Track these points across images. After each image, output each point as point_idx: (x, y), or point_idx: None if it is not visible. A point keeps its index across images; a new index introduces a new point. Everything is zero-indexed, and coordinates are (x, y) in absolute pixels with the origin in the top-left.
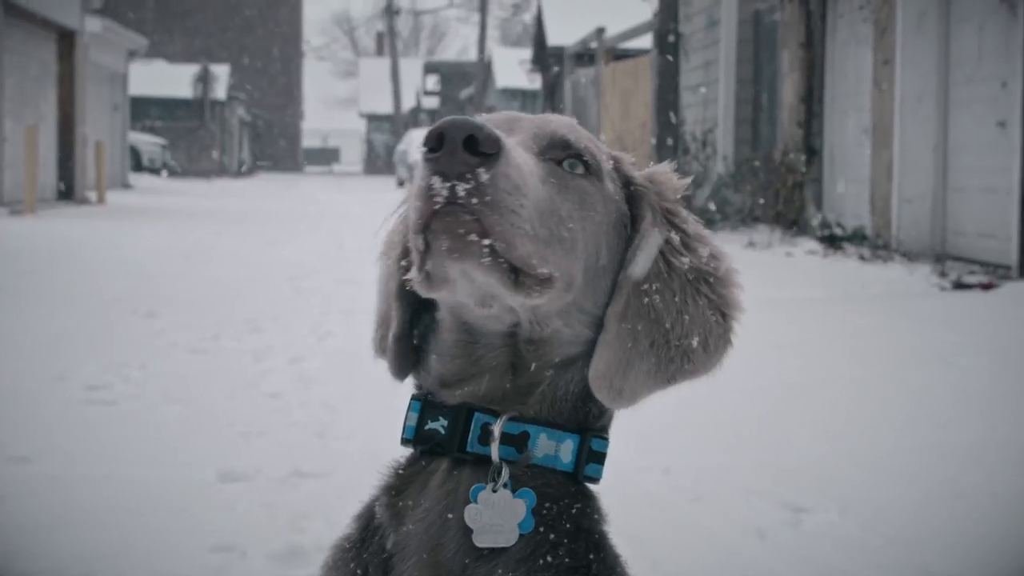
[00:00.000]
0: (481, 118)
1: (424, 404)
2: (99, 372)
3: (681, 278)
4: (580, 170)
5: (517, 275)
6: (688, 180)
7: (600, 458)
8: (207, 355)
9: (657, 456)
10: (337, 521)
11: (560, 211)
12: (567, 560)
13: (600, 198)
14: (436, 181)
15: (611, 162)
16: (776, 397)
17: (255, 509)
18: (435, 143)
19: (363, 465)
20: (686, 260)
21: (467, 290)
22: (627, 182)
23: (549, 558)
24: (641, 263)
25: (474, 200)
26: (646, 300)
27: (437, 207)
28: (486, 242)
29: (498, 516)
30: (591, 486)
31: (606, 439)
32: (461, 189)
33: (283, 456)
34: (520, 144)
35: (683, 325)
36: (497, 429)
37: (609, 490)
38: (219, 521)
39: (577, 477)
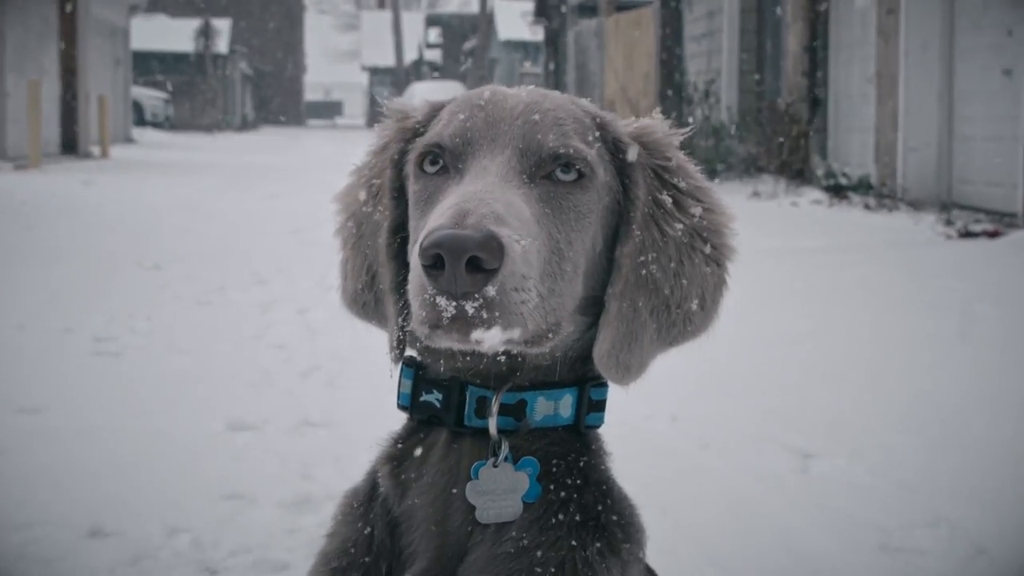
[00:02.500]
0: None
1: (417, 374)
2: (105, 324)
3: (676, 242)
4: (572, 176)
5: (527, 341)
6: (682, 132)
7: (601, 406)
8: (213, 307)
9: (664, 404)
10: (346, 469)
11: (560, 245)
12: (577, 517)
13: (594, 197)
14: (442, 300)
15: (598, 131)
16: (782, 345)
17: (264, 458)
18: (434, 260)
19: (370, 414)
20: (679, 225)
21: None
22: (616, 146)
23: (560, 516)
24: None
25: (483, 313)
26: (643, 272)
27: (446, 321)
28: (498, 336)
29: (499, 491)
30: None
31: (605, 386)
32: (470, 308)
33: (291, 406)
34: (507, 170)
35: (681, 289)
36: (495, 405)
37: (618, 439)
38: (228, 470)
39: (579, 429)
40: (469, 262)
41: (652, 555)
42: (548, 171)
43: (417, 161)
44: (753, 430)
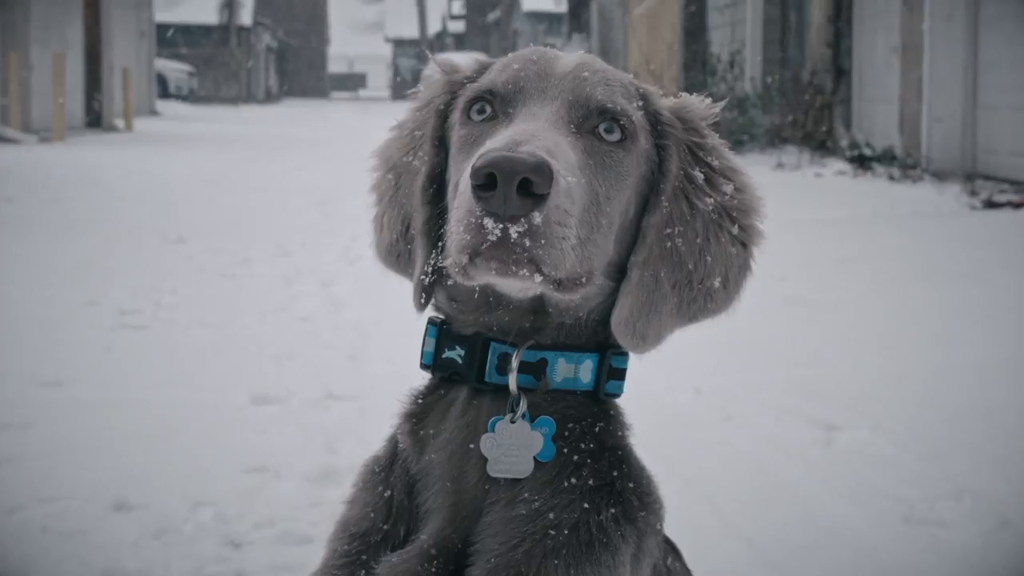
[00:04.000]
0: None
1: (440, 331)
2: (130, 297)
3: (704, 218)
4: (616, 136)
5: (560, 283)
6: (717, 107)
7: (621, 374)
8: (237, 279)
9: (687, 376)
10: (369, 442)
11: (599, 197)
12: (591, 481)
13: (633, 161)
14: (488, 222)
15: (640, 101)
16: (804, 316)
17: (288, 431)
18: (486, 180)
19: (394, 387)
20: (710, 200)
21: (508, 288)
22: (655, 119)
23: (573, 480)
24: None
25: (527, 241)
26: (668, 244)
27: (489, 244)
28: (537, 273)
29: (513, 447)
30: (615, 401)
31: (626, 355)
32: (514, 232)
33: (315, 379)
34: (556, 118)
35: (705, 265)
36: (515, 361)
37: (641, 410)
38: (252, 443)
39: (598, 395)
40: (520, 185)
41: (673, 526)
42: (594, 125)
43: (465, 108)
44: (776, 402)
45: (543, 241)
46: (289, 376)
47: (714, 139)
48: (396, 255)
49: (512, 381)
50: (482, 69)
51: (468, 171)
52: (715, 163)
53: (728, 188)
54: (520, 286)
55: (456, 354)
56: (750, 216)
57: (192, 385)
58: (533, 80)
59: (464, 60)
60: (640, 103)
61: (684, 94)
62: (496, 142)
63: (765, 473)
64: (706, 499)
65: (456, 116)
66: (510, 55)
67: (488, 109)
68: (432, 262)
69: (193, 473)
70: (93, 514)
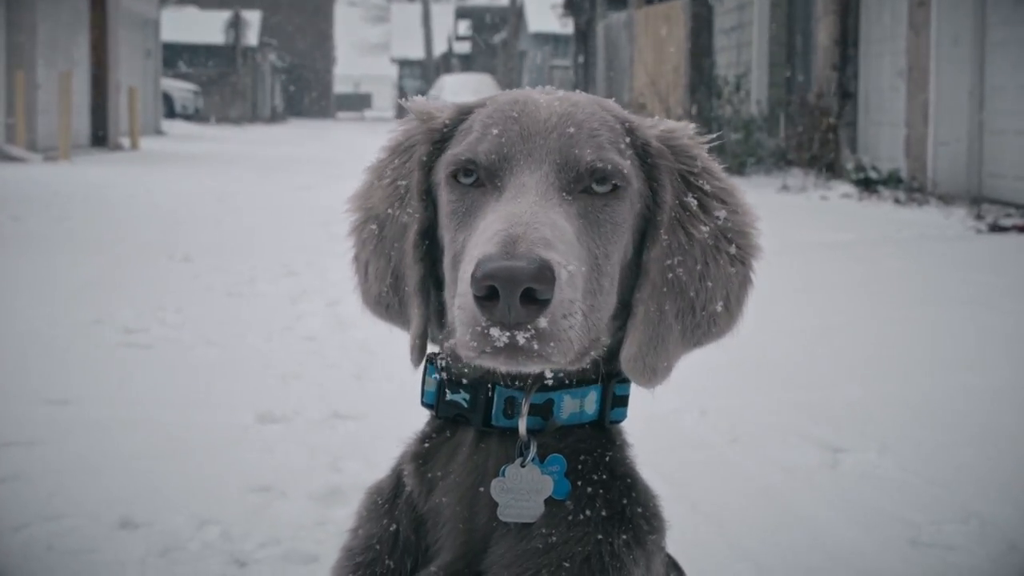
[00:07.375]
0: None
1: (441, 372)
2: (136, 316)
3: (701, 244)
4: (608, 187)
5: (570, 361)
6: (708, 138)
7: (624, 401)
8: (243, 299)
9: (694, 398)
10: (375, 461)
11: (598, 260)
12: (603, 512)
13: (627, 206)
14: (495, 331)
15: (627, 136)
16: (811, 339)
17: (294, 450)
18: (487, 292)
19: (400, 407)
20: (705, 228)
21: None
22: (644, 151)
23: (588, 511)
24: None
25: (535, 344)
26: (670, 275)
27: (496, 349)
28: (546, 365)
29: (524, 492)
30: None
31: (628, 382)
32: (522, 338)
33: (321, 398)
34: (546, 186)
35: (707, 291)
36: (525, 406)
37: (648, 432)
38: (258, 462)
39: (603, 424)
40: (524, 294)
41: (681, 548)
42: (586, 184)
43: (450, 172)
44: (783, 424)
45: (551, 343)
46: (295, 395)
47: (705, 161)
48: (385, 306)
49: (522, 426)
50: (460, 116)
51: (467, 271)
52: (707, 187)
53: (722, 212)
54: (529, 372)
55: (460, 397)
56: (747, 236)
57: (198, 404)
58: (517, 143)
59: (440, 104)
60: (628, 139)
61: (672, 121)
62: (491, 242)
63: (772, 495)
64: (713, 521)
65: (441, 175)
66: (490, 107)
67: (474, 173)
68: (426, 323)
69: (199, 491)
70: (99, 532)
